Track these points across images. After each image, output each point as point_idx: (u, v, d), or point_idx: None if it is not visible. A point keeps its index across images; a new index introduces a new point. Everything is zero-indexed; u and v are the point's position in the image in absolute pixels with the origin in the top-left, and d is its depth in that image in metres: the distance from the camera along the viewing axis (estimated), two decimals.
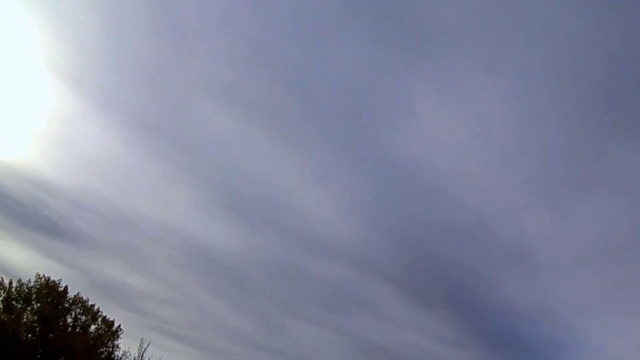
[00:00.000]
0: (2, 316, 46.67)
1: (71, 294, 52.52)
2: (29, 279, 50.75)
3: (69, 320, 52.04)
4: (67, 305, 52.19)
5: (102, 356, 52.48)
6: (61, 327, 50.71)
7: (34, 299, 50.47)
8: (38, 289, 50.75)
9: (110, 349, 53.41)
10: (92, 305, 53.55)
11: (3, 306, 48.20)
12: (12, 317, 47.99)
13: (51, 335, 49.29)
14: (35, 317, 49.62)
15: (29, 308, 49.90)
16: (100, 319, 53.44)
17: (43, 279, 51.38)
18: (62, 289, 52.17)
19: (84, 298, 53.29)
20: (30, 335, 48.69)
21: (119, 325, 54.47)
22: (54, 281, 51.92)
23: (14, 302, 49.23)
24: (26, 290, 50.21)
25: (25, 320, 48.94)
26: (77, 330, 51.91)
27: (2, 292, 48.82)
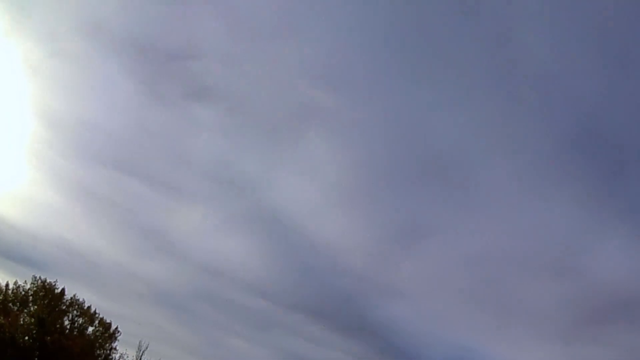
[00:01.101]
0: None
1: (68, 296, 52.25)
2: (25, 281, 50.52)
3: (66, 322, 51.63)
4: (64, 307, 51.80)
5: (100, 359, 52.10)
6: (58, 330, 50.26)
7: (31, 301, 50.14)
8: (35, 291, 50.41)
9: (108, 352, 53.03)
10: (89, 307, 53.20)
11: None
12: (9, 319, 47.58)
13: (48, 337, 48.82)
14: (32, 320, 49.15)
15: (25, 310, 49.54)
16: (97, 321, 53.07)
17: (39, 281, 51.04)
18: (58, 291, 51.80)
19: (81, 300, 53.00)
20: (27, 338, 48.24)
21: (117, 328, 54.16)
22: (50, 283, 51.59)
23: (10, 304, 48.88)
24: (23, 293, 49.88)
25: (21, 322, 48.53)
26: (74, 332, 51.50)
27: None
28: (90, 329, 52.78)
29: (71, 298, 52.31)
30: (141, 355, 53.01)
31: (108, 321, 53.73)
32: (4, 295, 48.74)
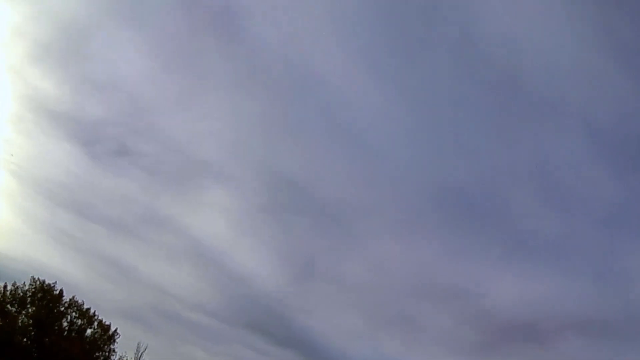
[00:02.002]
0: None
1: (67, 297, 51.80)
2: (24, 282, 50.01)
3: (65, 324, 51.17)
4: (62, 308, 51.36)
5: None
6: (56, 331, 49.84)
7: (29, 302, 49.63)
8: (33, 292, 49.92)
9: (107, 353, 52.58)
10: (88, 309, 52.73)
11: None
12: (7, 321, 47.20)
13: (46, 339, 48.44)
14: (30, 321, 48.76)
15: (23, 312, 49.03)
16: (96, 323, 52.64)
17: (38, 282, 50.55)
18: (57, 292, 51.34)
19: (80, 302, 52.56)
20: (25, 340, 47.82)
21: (115, 330, 53.73)
22: (49, 284, 51.08)
23: (8, 305, 48.35)
24: (21, 294, 49.34)
25: (20, 324, 48.12)
26: (73, 334, 51.04)
27: None
28: (89, 330, 52.37)
29: (70, 299, 51.90)
30: (140, 357, 52.59)
31: (107, 323, 53.36)
32: (2, 296, 48.23)
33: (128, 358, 52.92)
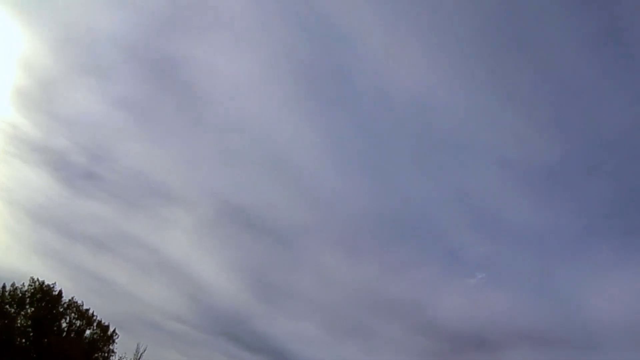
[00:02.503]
0: None
1: (66, 298, 51.63)
2: (23, 283, 49.82)
3: (64, 325, 51.00)
4: (61, 309, 51.16)
5: None
6: (55, 332, 49.70)
7: (28, 303, 49.44)
8: (32, 293, 49.73)
9: (106, 354, 52.42)
10: (87, 310, 52.58)
11: None
12: (6, 321, 47.07)
13: (45, 340, 48.29)
14: (29, 322, 48.60)
15: (22, 312, 48.84)
16: (95, 324, 52.47)
17: (37, 283, 50.37)
18: (56, 293, 51.17)
19: (79, 302, 52.41)
20: (24, 340, 47.68)
21: (114, 330, 53.59)
22: (48, 285, 50.91)
23: (7, 306, 48.18)
24: (20, 295, 49.14)
25: (18, 324, 47.99)
26: (72, 335, 50.89)
27: None
28: (88, 331, 52.18)
29: (69, 300, 51.73)
30: (139, 358, 52.38)
31: (106, 324, 53.22)
32: (0, 297, 48.10)
33: (127, 359, 52.80)
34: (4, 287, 48.77)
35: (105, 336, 52.73)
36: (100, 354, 52.00)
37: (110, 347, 52.76)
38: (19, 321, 48.06)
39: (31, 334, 48.28)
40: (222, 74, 73.42)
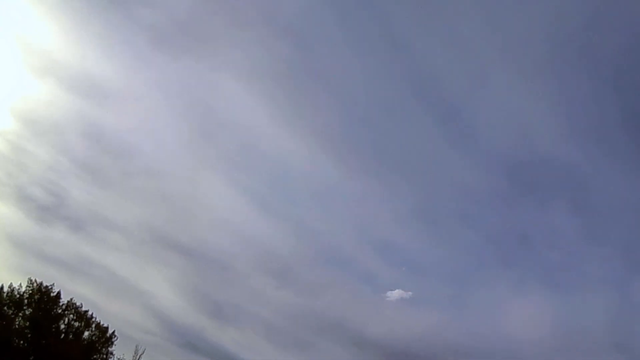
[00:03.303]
0: None
1: (64, 299, 51.37)
2: (20, 284, 49.57)
3: (62, 326, 50.69)
4: (59, 310, 50.86)
5: None
6: (54, 333, 49.36)
7: (26, 304, 49.15)
8: (30, 294, 49.47)
9: (105, 356, 52.05)
10: (86, 311, 52.26)
11: None
12: (3, 323, 46.76)
13: (44, 341, 47.94)
14: (27, 323, 48.30)
15: (20, 314, 48.55)
16: (94, 325, 52.14)
17: (35, 284, 50.11)
18: (54, 294, 50.89)
19: (77, 304, 52.10)
20: (22, 342, 47.32)
21: (113, 332, 53.26)
22: (46, 286, 50.62)
23: (5, 307, 47.85)
24: (17, 296, 48.87)
25: (16, 326, 47.65)
26: (70, 336, 50.54)
27: None
28: (87, 333, 51.81)
29: (67, 302, 51.43)
30: (138, 359, 52.01)
31: (105, 325, 52.91)
32: None
33: None
34: (1, 288, 48.51)
35: (103, 338, 52.38)
36: (98, 355, 51.63)
37: (109, 348, 52.42)
38: (17, 322, 47.76)
39: (29, 335, 47.95)
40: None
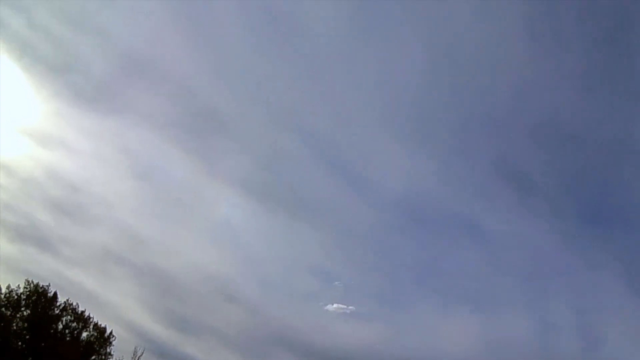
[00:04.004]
0: None
1: (61, 300, 51.08)
2: (18, 285, 49.14)
3: (60, 327, 50.39)
4: (57, 311, 50.57)
5: None
6: (51, 335, 49.08)
7: (23, 305, 48.78)
8: (27, 295, 49.09)
9: (103, 357, 51.84)
10: (83, 312, 52.01)
11: None
12: (1, 324, 46.38)
13: (41, 343, 47.66)
14: (25, 324, 47.95)
15: (18, 315, 48.19)
16: (91, 326, 51.92)
17: (32, 285, 49.74)
18: (51, 295, 50.59)
19: (75, 304, 51.83)
20: (19, 343, 46.99)
21: (111, 332, 53.08)
22: (43, 287, 50.28)
23: (2, 309, 47.46)
24: (15, 297, 48.46)
25: (14, 327, 47.29)
26: (68, 337, 50.30)
27: None
28: (85, 333, 51.60)
29: (65, 302, 51.16)
30: None
31: (103, 326, 52.71)
32: None
33: None
34: None
35: (101, 338, 52.17)
36: (97, 356, 51.43)
37: (107, 349, 52.26)
38: (14, 324, 47.37)
39: (27, 336, 47.62)
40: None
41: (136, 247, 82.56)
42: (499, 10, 76.28)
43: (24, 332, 47.89)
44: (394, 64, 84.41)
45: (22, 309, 48.52)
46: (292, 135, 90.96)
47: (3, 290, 47.89)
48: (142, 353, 52.97)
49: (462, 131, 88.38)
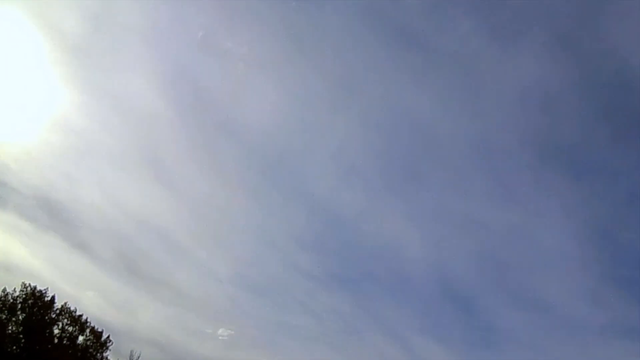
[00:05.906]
0: None
1: (58, 304, 50.60)
2: (14, 288, 48.71)
3: (56, 331, 49.92)
4: (53, 315, 50.08)
5: None
6: (48, 339, 48.62)
7: (19, 309, 48.31)
8: (24, 298, 48.65)
9: None
10: (80, 316, 51.51)
11: None
12: None
13: (37, 347, 47.19)
14: (21, 328, 47.48)
15: (13, 319, 47.70)
16: (88, 330, 51.43)
17: (29, 289, 49.31)
18: (48, 298, 50.14)
19: (72, 308, 51.36)
20: (15, 347, 46.46)
21: (108, 336, 52.59)
22: (40, 291, 49.85)
23: None
24: (11, 300, 48.01)
25: (9, 331, 46.81)
26: (65, 341, 49.81)
27: None
28: (81, 338, 51.07)
29: (61, 306, 50.66)
30: None
31: (99, 330, 52.21)
32: None
33: None
34: None
35: (98, 342, 51.68)
36: None
37: (104, 353, 51.75)
38: (10, 328, 46.90)
39: (23, 340, 47.12)
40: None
41: None
42: None
43: (20, 336, 47.41)
44: None
45: (18, 312, 48.06)
46: None
47: None
48: (139, 357, 52.61)
49: None
